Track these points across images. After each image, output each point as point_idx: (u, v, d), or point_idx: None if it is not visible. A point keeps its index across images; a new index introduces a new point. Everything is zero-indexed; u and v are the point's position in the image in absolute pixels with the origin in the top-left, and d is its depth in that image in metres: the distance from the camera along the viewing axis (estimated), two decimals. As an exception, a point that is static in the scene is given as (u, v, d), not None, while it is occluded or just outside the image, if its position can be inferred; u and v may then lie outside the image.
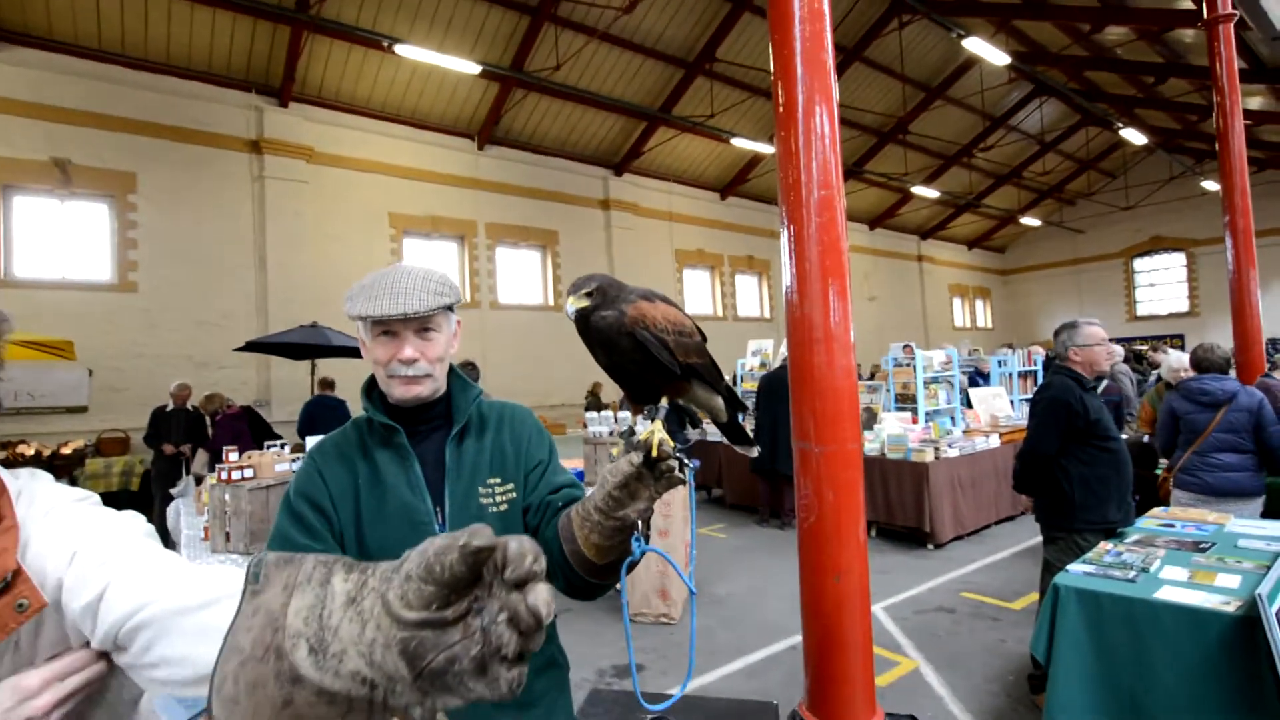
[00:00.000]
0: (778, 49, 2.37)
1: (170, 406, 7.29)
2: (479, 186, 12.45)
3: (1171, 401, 3.96)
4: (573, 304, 1.06)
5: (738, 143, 12.98)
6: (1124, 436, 3.51)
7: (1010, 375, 8.47)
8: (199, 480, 5.07)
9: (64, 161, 8.59)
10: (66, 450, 8.03)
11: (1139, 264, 22.75)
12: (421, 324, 1.22)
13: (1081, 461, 2.93)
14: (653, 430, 0.98)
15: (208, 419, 7.56)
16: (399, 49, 9.15)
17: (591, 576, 1.10)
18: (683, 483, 1.02)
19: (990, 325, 25.51)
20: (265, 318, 9.80)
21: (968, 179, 19.24)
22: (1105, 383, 6.16)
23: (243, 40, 9.55)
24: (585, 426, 5.78)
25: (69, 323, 8.31)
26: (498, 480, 1.29)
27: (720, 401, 1.20)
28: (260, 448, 4.67)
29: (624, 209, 14.40)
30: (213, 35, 9.34)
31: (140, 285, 9.09)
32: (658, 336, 1.05)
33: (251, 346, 7.69)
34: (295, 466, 4.04)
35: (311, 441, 3.27)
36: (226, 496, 3.70)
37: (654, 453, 0.96)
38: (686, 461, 1.02)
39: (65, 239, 8.81)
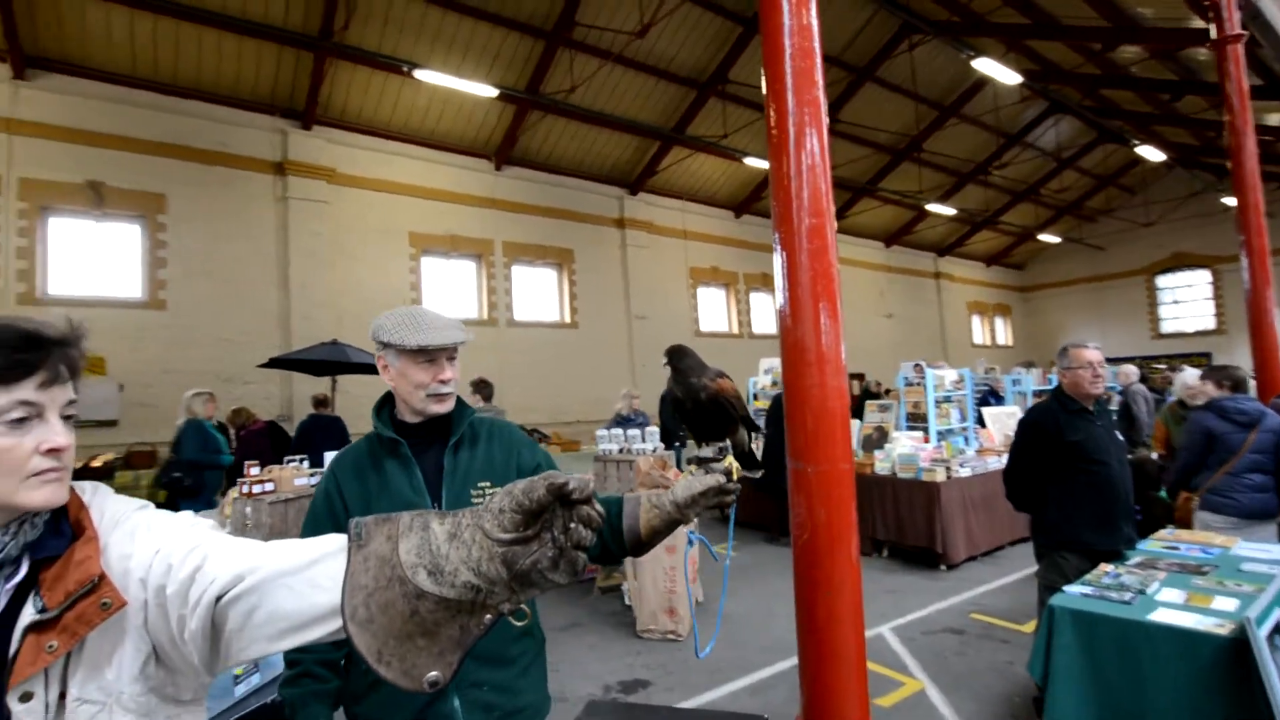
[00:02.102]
0: (770, 84, 2.46)
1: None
2: (496, 206, 12.68)
3: (1206, 421, 3.81)
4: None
5: (750, 162, 13.11)
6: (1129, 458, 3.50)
7: (1025, 394, 8.42)
8: (223, 493, 5.22)
9: (98, 184, 8.93)
10: (97, 463, 8.26)
11: (1162, 281, 22.44)
12: (451, 353, 1.51)
13: (1059, 482, 2.98)
14: (732, 460, 1.42)
15: (233, 433, 7.75)
16: (418, 73, 9.43)
17: (627, 550, 1.34)
18: (731, 503, 1.32)
19: (1010, 343, 25.24)
20: (288, 335, 10.04)
21: (984, 196, 19.19)
22: (1116, 402, 6.13)
23: (268, 66, 9.89)
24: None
25: (101, 339, 8.59)
26: (488, 484, 1.51)
27: (745, 435, 1.59)
28: (281, 462, 4.80)
29: (639, 227, 14.56)
30: (240, 61, 9.68)
31: (169, 303, 9.38)
32: (730, 402, 1.50)
33: (274, 363, 7.89)
34: (314, 482, 4.16)
35: (329, 458, 3.39)
36: (248, 510, 3.82)
37: (733, 476, 1.31)
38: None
39: (98, 258, 9.13)
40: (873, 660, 3.93)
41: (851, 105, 14.23)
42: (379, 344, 1.48)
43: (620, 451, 5.29)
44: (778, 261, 2.50)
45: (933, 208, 17.10)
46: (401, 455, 1.50)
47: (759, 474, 1.66)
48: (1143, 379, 7.21)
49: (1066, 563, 2.95)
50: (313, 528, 1.48)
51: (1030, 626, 4.44)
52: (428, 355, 1.46)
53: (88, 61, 8.93)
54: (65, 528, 0.80)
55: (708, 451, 1.46)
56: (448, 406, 1.52)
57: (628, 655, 4.22)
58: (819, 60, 2.50)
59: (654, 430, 5.55)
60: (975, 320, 24.00)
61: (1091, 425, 3.05)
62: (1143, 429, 6.39)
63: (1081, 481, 2.93)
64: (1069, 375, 3.06)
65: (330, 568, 0.72)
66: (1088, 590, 2.53)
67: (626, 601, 4.88)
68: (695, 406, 1.50)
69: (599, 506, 0.65)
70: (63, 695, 0.76)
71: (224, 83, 9.84)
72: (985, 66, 10.60)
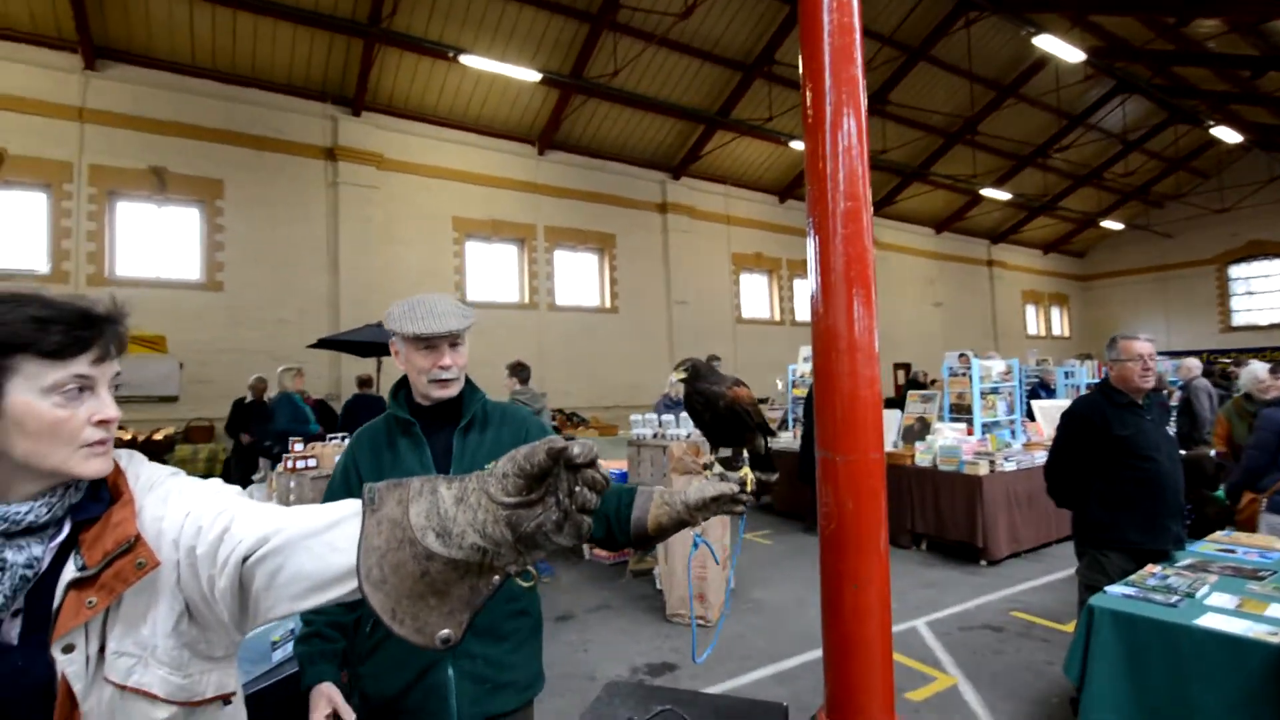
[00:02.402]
0: (806, 62, 2.39)
1: (249, 399, 7.80)
2: (539, 191, 12.76)
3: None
4: (676, 377, 1.54)
5: (796, 145, 12.86)
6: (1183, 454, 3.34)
7: (1078, 387, 8.09)
8: (272, 468, 5.43)
9: (161, 170, 9.32)
10: (158, 437, 8.70)
11: (1235, 270, 21.22)
12: (454, 339, 1.56)
13: (1104, 478, 2.84)
14: (748, 470, 1.41)
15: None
16: (464, 59, 9.52)
17: (631, 541, 1.36)
18: (741, 513, 1.31)
19: (1067, 333, 24.28)
20: (337, 316, 10.34)
21: (1043, 180, 18.39)
22: (1176, 397, 5.85)
23: (320, 54, 10.12)
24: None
25: (163, 319, 9.01)
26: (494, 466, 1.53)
27: (762, 442, 1.59)
28: (324, 439, 4.97)
29: (681, 212, 14.45)
30: (293, 49, 9.94)
31: (226, 284, 9.76)
32: (746, 410, 1.50)
33: (323, 344, 8.15)
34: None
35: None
36: (291, 484, 3.97)
37: (748, 487, 1.33)
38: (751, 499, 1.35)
39: (160, 241, 9.54)
40: (905, 654, 3.89)
41: (903, 86, 13.79)
42: (389, 331, 1.57)
43: (654, 436, 5.30)
44: (811, 246, 2.44)
45: (987, 192, 16.49)
46: (414, 435, 1.58)
47: (774, 477, 1.64)
48: (1206, 373, 6.84)
49: (1109, 561, 2.84)
50: (330, 497, 1.56)
51: (1073, 626, 4.29)
52: (427, 342, 1.53)
53: (152, 51, 9.30)
54: (104, 492, 0.85)
55: (726, 453, 1.49)
56: (450, 391, 1.57)
57: (656, 638, 4.25)
58: (858, 37, 2.41)
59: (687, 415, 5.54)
60: (1030, 310, 23.14)
61: (1141, 420, 2.91)
62: (1204, 426, 6.06)
63: (1128, 478, 2.80)
64: (1118, 368, 2.92)
65: (346, 531, 0.75)
66: (1130, 591, 2.43)
67: (658, 586, 4.91)
68: (713, 415, 1.50)
69: (603, 470, 0.66)
70: (102, 649, 0.81)
71: (278, 71, 10.12)
72: (1047, 44, 10.12)
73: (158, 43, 9.26)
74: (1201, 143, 18.15)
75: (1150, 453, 2.81)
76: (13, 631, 0.79)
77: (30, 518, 0.79)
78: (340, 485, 1.61)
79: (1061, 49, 10.22)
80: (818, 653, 3.96)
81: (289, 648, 2.11)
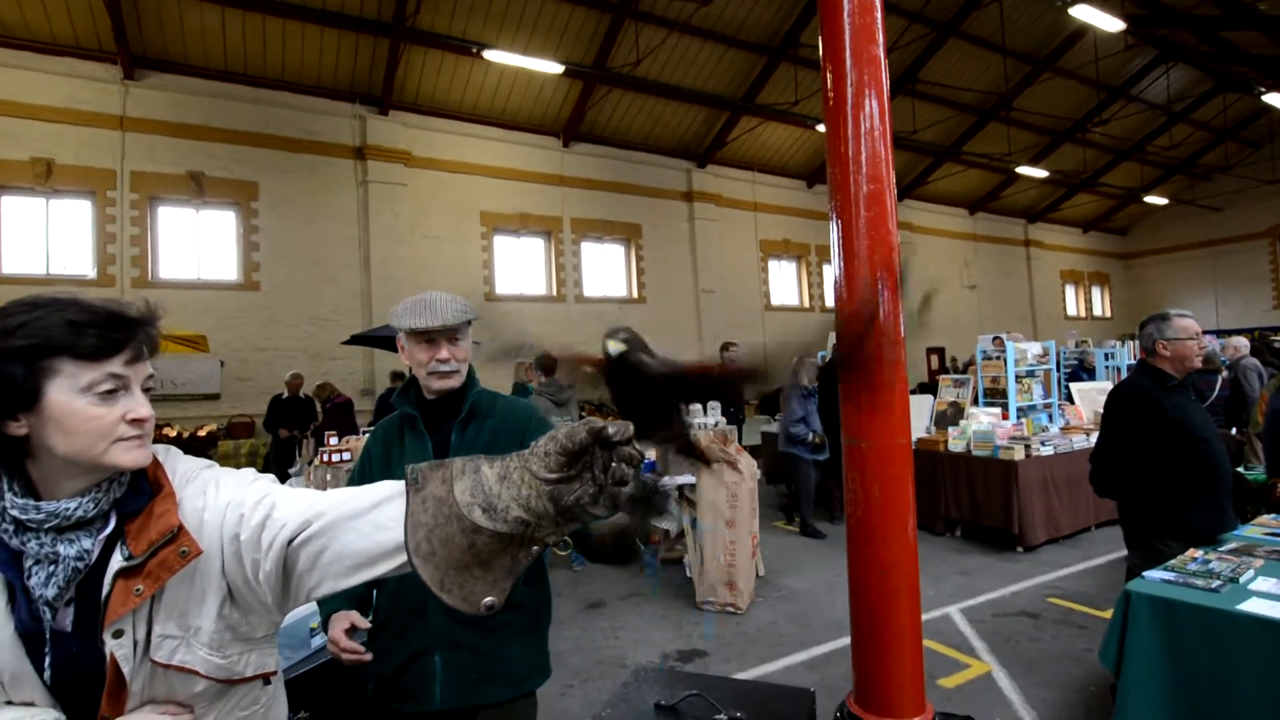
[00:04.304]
0: (826, 42, 2.36)
1: (285, 395, 8.02)
2: (564, 183, 12.79)
3: None
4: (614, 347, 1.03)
5: (823, 129, 12.63)
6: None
7: (1119, 369, 7.85)
8: (310, 461, 5.58)
9: (198, 174, 9.59)
10: (202, 433, 9.01)
11: (1290, 244, 20.30)
12: (452, 333, 1.62)
13: (1162, 464, 2.71)
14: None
15: (318, 406, 8.26)
16: (487, 54, 9.57)
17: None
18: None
19: (1109, 314, 23.53)
20: (369, 313, 10.54)
21: (1082, 156, 17.78)
22: (1221, 377, 5.66)
23: (347, 55, 10.27)
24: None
25: (203, 319, 9.31)
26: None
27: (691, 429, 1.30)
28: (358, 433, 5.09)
29: (707, 200, 14.35)
30: (321, 51, 10.10)
31: (263, 284, 10.02)
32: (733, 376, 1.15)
33: (355, 340, 8.33)
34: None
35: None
36: (328, 477, 4.08)
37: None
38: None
39: (199, 243, 9.83)
40: (938, 640, 3.85)
41: (933, 64, 13.44)
42: (395, 328, 1.64)
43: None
44: (834, 230, 2.43)
45: (1023, 170, 16.01)
46: (417, 429, 1.66)
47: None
48: (1254, 351, 6.58)
49: (1169, 550, 2.69)
50: (356, 482, 1.64)
51: (1111, 613, 4.20)
52: (426, 336, 1.60)
53: (187, 59, 9.55)
54: (145, 485, 0.90)
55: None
56: (449, 383, 1.63)
57: (687, 625, 4.28)
58: (879, 15, 2.37)
59: (715, 404, 5.53)
60: (1069, 290, 22.47)
61: (1189, 400, 2.81)
62: (1253, 405, 5.83)
63: (1187, 462, 2.68)
64: (1174, 346, 2.78)
65: (391, 509, 0.80)
66: (1170, 576, 2.36)
67: (688, 574, 4.93)
68: (644, 390, 1.09)
69: (639, 446, 0.70)
70: (148, 633, 0.86)
71: (307, 73, 10.30)
72: (1084, 14, 9.76)
73: (192, 51, 9.50)
74: (1253, 110, 17.33)
75: (1205, 434, 2.70)
76: (66, 619, 0.84)
77: (79, 513, 0.83)
78: (358, 474, 1.74)
79: (1099, 18, 9.85)
80: (849, 640, 3.96)
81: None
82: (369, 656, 1.55)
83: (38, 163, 8.66)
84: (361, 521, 0.82)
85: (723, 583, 4.49)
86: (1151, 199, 19.64)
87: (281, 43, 9.80)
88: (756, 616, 4.42)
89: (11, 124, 8.55)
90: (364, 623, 1.57)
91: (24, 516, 0.82)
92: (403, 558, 0.76)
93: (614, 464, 0.69)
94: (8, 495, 0.83)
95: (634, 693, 1.92)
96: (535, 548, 0.75)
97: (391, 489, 0.82)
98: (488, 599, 0.74)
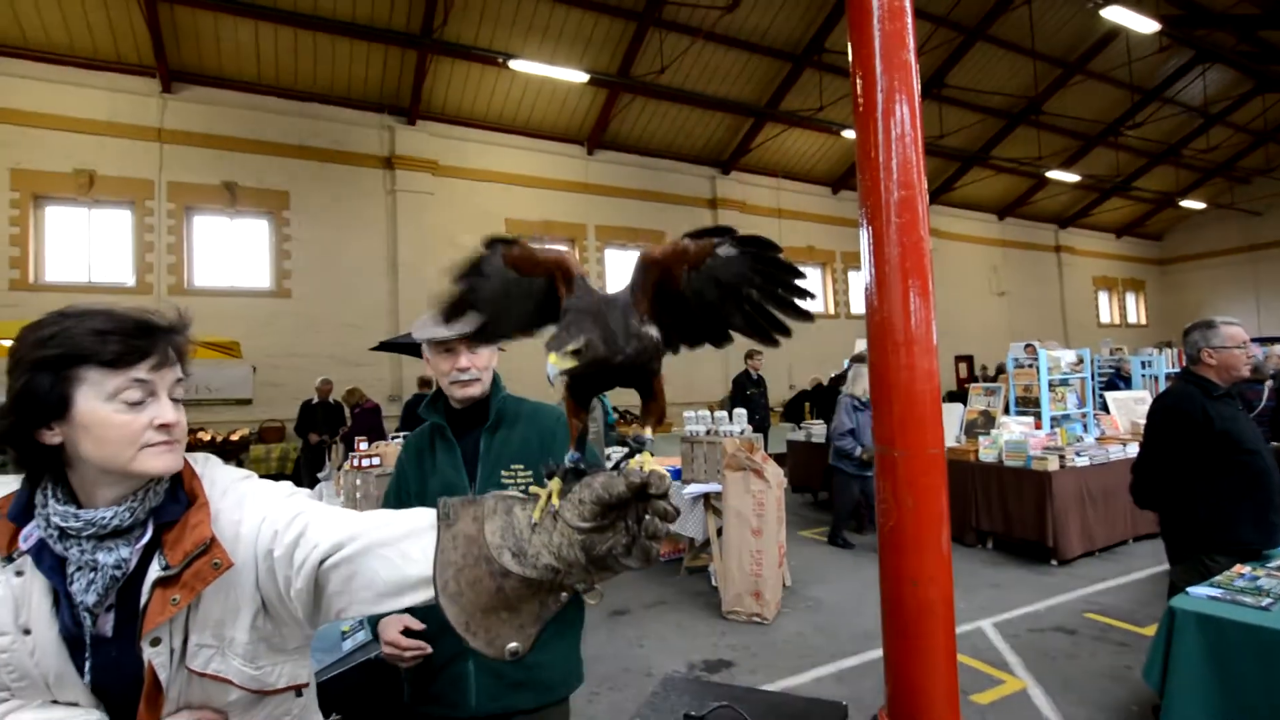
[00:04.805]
0: (856, 48, 2.34)
1: (315, 400, 8.15)
2: (589, 190, 12.86)
3: None
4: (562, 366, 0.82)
5: (849, 135, 12.53)
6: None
7: (1156, 378, 7.64)
8: (339, 466, 5.66)
9: (232, 184, 9.82)
10: (234, 438, 9.19)
11: (1335, 249, 19.62)
12: (471, 343, 1.59)
13: (1209, 476, 2.62)
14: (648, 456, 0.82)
15: (347, 411, 8.38)
16: (513, 64, 9.68)
17: None
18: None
19: (1143, 321, 22.94)
20: (396, 320, 10.68)
21: (1115, 160, 17.42)
22: (1267, 386, 5.47)
23: (376, 66, 10.47)
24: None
25: (237, 325, 9.49)
26: (520, 466, 1.62)
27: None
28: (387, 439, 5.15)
29: (731, 207, 14.32)
30: (350, 63, 10.31)
31: (294, 292, 10.22)
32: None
33: (383, 346, 8.41)
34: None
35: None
36: (357, 481, 4.13)
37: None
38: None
39: (233, 252, 10.06)
40: (971, 655, 3.77)
41: (961, 68, 13.29)
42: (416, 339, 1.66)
43: (707, 433, 5.27)
44: (864, 237, 2.39)
45: (1054, 175, 15.73)
46: (446, 438, 1.67)
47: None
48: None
49: (1217, 565, 2.59)
50: (392, 495, 1.74)
51: (1153, 629, 4.07)
52: (445, 346, 1.61)
53: (222, 72, 9.80)
54: (181, 495, 0.91)
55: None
56: (471, 391, 1.64)
57: (712, 635, 4.24)
58: (910, 20, 2.35)
59: (741, 412, 5.49)
60: (1102, 297, 21.96)
61: (1236, 410, 2.72)
62: (1301, 417, 5.62)
63: (1237, 474, 2.59)
64: (1221, 355, 2.70)
65: (421, 542, 0.79)
66: (1216, 593, 2.29)
67: (713, 583, 4.89)
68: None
69: (675, 503, 0.68)
70: (185, 642, 0.87)
71: (337, 85, 10.52)
72: (1116, 15, 9.58)
73: (227, 64, 9.75)
74: (1294, 112, 16.85)
75: (1254, 445, 2.62)
76: (107, 625, 0.85)
77: (115, 521, 0.84)
78: (393, 489, 1.74)
79: (1133, 20, 9.66)
80: (879, 652, 3.88)
81: (359, 637, 2.20)
82: (429, 649, 1.56)
83: (80, 174, 8.95)
84: (391, 550, 0.81)
85: (749, 592, 4.44)
86: (1188, 203, 19.15)
87: (313, 56, 10.02)
88: (783, 627, 4.36)
89: (56, 137, 8.86)
90: (417, 624, 1.58)
91: (65, 524, 0.83)
92: (429, 592, 0.76)
93: (648, 516, 0.67)
94: (51, 503, 0.85)
95: (663, 702, 1.90)
96: (564, 594, 0.74)
97: (424, 520, 0.81)
98: (513, 644, 0.73)
